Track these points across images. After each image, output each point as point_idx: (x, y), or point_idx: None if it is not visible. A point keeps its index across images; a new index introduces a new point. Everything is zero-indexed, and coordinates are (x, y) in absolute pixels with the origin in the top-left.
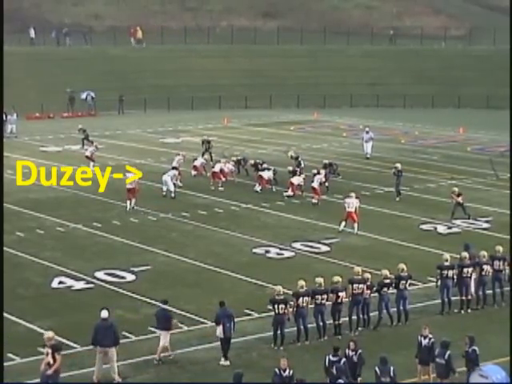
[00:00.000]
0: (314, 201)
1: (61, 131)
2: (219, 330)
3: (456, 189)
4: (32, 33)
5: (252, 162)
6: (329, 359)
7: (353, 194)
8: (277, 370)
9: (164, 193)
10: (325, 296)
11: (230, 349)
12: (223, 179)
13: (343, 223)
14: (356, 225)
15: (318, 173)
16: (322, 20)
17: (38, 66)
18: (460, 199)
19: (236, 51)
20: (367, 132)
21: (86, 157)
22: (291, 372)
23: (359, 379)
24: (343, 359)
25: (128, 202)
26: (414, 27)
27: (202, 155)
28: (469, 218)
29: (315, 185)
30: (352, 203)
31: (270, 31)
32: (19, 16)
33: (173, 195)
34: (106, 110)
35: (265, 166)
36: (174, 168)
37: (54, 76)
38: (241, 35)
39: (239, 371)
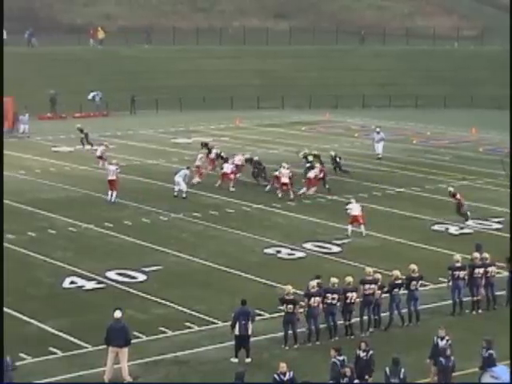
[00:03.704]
0: (301, 191)
1: (72, 131)
2: (237, 328)
3: (452, 189)
4: (4, 34)
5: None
6: (339, 360)
7: (353, 200)
8: (276, 375)
9: (175, 193)
10: (335, 296)
11: (249, 348)
12: (232, 177)
13: (350, 228)
14: (363, 226)
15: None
16: (333, 20)
17: (50, 67)
18: (458, 199)
19: (248, 52)
20: (378, 132)
21: (98, 157)
22: (291, 374)
23: (370, 379)
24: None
25: (109, 192)
26: (426, 27)
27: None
28: (466, 220)
29: (311, 175)
30: (354, 207)
31: (281, 32)
32: (30, 16)
33: (184, 195)
34: (118, 111)
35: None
36: (196, 167)
37: (66, 76)
38: (252, 36)
39: (241, 370)
